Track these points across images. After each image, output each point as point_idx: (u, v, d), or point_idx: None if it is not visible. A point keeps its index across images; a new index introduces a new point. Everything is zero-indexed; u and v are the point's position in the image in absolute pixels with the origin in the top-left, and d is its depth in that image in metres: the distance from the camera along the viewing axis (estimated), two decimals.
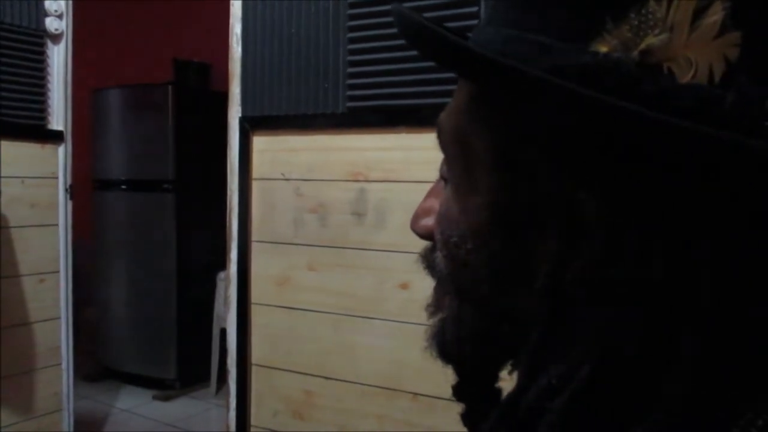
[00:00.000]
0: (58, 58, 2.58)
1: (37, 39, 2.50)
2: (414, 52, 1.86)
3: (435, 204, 0.49)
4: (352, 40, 1.96)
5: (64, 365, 2.62)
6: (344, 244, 2.02)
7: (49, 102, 2.57)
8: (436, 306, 0.51)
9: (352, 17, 1.96)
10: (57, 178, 2.60)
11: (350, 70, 1.97)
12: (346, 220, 2.01)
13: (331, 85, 2.00)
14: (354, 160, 1.99)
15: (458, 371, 0.52)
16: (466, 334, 0.47)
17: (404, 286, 1.88)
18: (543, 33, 0.37)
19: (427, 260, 0.50)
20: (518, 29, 0.38)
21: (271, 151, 2.14)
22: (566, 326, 0.39)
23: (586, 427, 0.38)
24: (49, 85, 2.56)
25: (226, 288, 2.25)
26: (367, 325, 1.98)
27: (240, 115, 2.17)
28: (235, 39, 2.17)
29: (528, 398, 0.40)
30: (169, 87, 3.79)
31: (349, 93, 1.97)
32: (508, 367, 0.48)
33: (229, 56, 2.18)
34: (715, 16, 0.33)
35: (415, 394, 1.87)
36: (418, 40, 0.42)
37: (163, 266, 3.78)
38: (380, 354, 1.95)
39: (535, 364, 0.41)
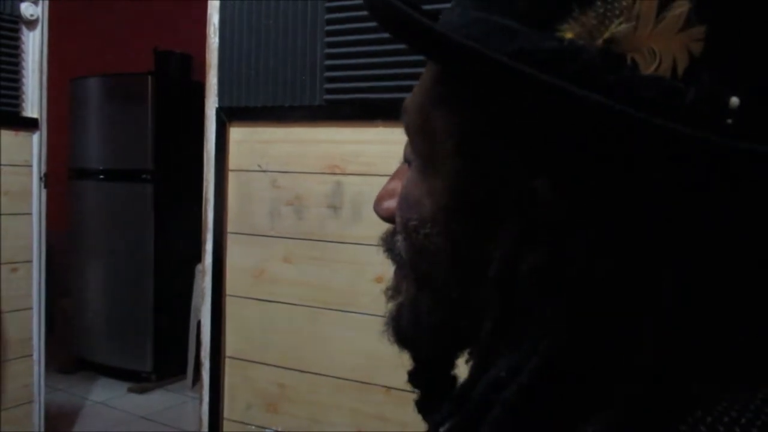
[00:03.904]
0: (34, 45, 2.54)
1: (12, 25, 2.46)
2: (392, 45, 1.85)
3: (398, 186, 0.48)
4: (330, 33, 1.95)
5: (35, 356, 2.59)
6: (320, 236, 2.01)
7: (24, 89, 2.52)
8: (395, 290, 0.50)
9: (330, 10, 1.95)
10: (31, 166, 2.56)
11: (328, 62, 1.96)
12: (322, 212, 2.00)
13: (309, 77, 1.99)
14: (331, 152, 1.98)
15: (414, 357, 0.51)
16: (423, 320, 0.47)
17: (379, 280, 1.88)
18: (509, 16, 0.36)
19: (388, 244, 0.49)
20: (485, 11, 0.38)
21: (248, 142, 2.13)
22: (519, 318, 0.39)
23: (533, 422, 0.37)
24: (24, 72, 2.52)
25: (202, 279, 2.23)
26: (342, 318, 1.97)
27: (217, 105, 2.15)
28: (212, 29, 2.15)
29: (477, 391, 0.40)
30: (149, 77, 3.75)
31: (327, 85, 1.96)
32: (465, 355, 0.48)
33: (207, 46, 2.16)
34: (681, 8, 0.33)
35: (388, 387, 1.87)
36: (384, 19, 0.41)
37: (141, 257, 3.75)
38: (354, 347, 1.95)
39: (486, 356, 0.41)
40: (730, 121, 0.33)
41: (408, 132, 0.45)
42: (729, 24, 0.33)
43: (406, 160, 0.47)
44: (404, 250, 0.46)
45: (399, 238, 0.46)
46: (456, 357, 0.50)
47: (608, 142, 0.33)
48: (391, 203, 0.49)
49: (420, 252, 0.44)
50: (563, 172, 0.35)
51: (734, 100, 0.33)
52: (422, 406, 0.53)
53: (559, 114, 0.34)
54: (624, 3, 0.33)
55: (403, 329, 0.48)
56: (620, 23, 0.33)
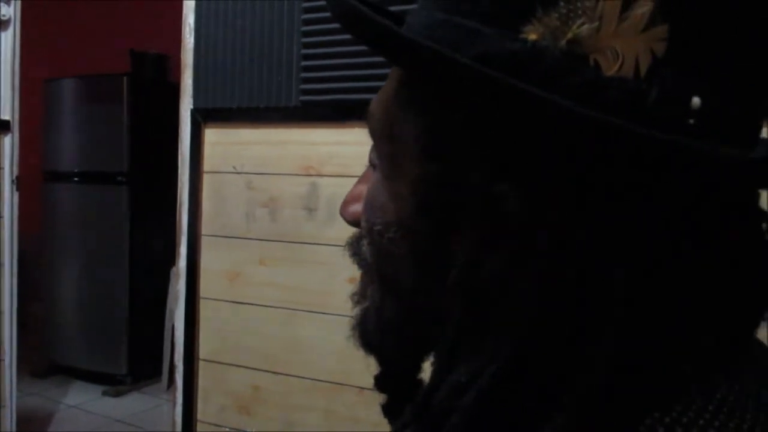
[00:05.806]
0: (5, 46, 2.50)
1: None
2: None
3: (365, 190, 0.48)
4: (306, 33, 1.95)
5: (7, 361, 2.54)
6: (295, 238, 2.00)
7: None
8: (361, 295, 0.50)
9: (306, 10, 1.94)
10: (3, 169, 2.52)
11: (304, 63, 1.95)
12: (297, 214, 2.00)
13: (285, 78, 1.98)
14: (306, 154, 1.98)
15: (380, 362, 0.51)
16: (388, 325, 0.47)
17: (353, 281, 1.88)
18: (474, 18, 0.36)
19: (354, 248, 0.49)
20: (450, 13, 0.38)
21: (223, 143, 2.11)
22: (480, 323, 0.39)
23: (492, 427, 0.37)
24: None
25: (176, 282, 2.21)
26: (317, 320, 1.97)
27: (192, 106, 2.13)
28: (187, 29, 2.14)
29: (438, 396, 0.40)
30: (125, 78, 3.72)
31: (303, 86, 1.95)
32: (432, 359, 0.47)
33: (182, 47, 2.15)
34: (644, 8, 0.33)
35: (362, 388, 1.87)
36: (348, 23, 0.41)
37: (116, 260, 3.71)
38: (328, 348, 1.94)
39: (447, 361, 0.41)
40: (692, 121, 0.33)
41: (373, 135, 0.45)
42: (692, 23, 0.33)
43: (372, 164, 0.47)
44: (369, 254, 0.46)
45: (364, 242, 0.46)
46: (422, 362, 0.49)
47: (570, 145, 0.33)
48: (357, 207, 0.48)
49: (385, 256, 0.44)
50: (526, 175, 0.35)
51: (696, 101, 0.33)
52: (389, 411, 0.52)
53: (522, 117, 0.34)
54: (587, 3, 0.33)
55: (369, 334, 0.48)
56: (582, 24, 0.33)
